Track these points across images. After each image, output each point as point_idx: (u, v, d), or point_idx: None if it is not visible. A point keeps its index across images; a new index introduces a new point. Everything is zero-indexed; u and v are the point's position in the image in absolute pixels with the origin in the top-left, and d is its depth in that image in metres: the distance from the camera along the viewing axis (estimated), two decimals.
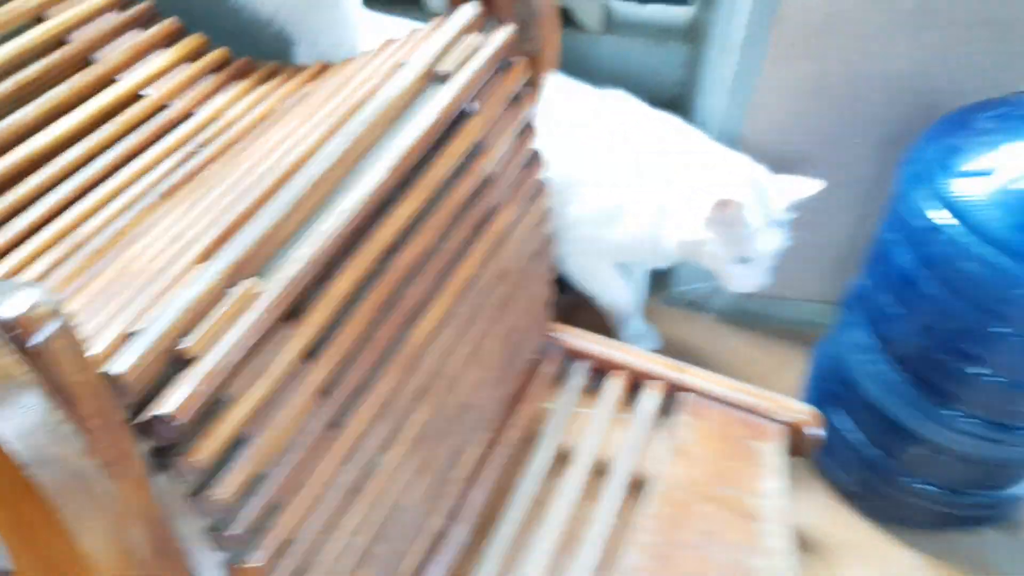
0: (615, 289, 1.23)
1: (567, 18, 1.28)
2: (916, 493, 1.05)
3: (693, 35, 1.27)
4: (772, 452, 0.97)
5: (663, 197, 1.05)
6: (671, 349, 1.26)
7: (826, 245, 1.23)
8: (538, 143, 0.89)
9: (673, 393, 1.04)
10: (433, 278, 0.74)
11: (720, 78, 1.13)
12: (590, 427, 1.00)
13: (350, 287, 0.63)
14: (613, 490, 0.94)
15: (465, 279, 0.79)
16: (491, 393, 0.93)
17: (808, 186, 1.03)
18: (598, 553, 0.88)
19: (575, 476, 0.95)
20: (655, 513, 0.90)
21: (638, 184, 1.07)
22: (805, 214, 1.05)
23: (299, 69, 0.89)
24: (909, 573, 1.06)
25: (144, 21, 0.88)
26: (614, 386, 1.05)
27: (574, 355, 1.08)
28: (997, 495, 1.07)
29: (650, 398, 1.03)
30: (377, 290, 0.66)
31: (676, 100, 1.29)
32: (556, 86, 1.11)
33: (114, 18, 0.86)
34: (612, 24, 1.30)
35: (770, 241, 1.01)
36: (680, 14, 1.31)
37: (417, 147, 0.68)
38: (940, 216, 0.86)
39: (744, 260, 1.02)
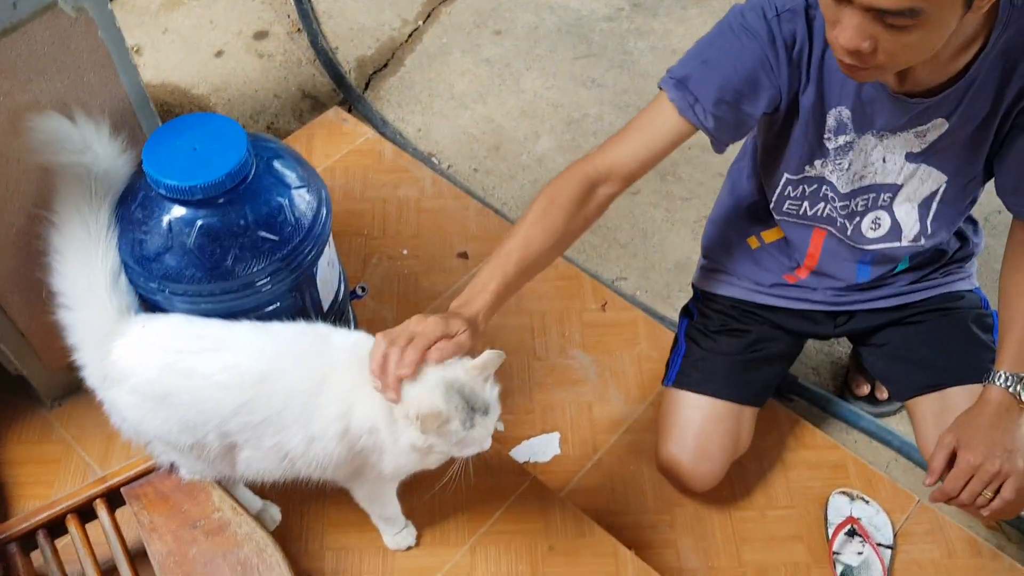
0: (396, 511, 1.41)
1: None
2: None
3: None
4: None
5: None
6: None
7: None
8: None
9: (114, 497, 1.34)
10: None
11: None
12: (87, 569, 1.28)
13: None
14: None
15: None
16: None
17: (492, 359, 1.12)
18: None
19: None
20: (170, 572, 1.25)
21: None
22: None
23: None
24: None
25: None
26: (73, 532, 1.31)
27: (24, 537, 1.30)
28: None
29: (102, 515, 1.32)
30: None
31: None
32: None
33: None
34: None
35: (485, 426, 1.12)
36: None
37: None
38: None
39: (470, 444, 1.14)
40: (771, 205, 1.47)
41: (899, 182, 1.35)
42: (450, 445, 1.12)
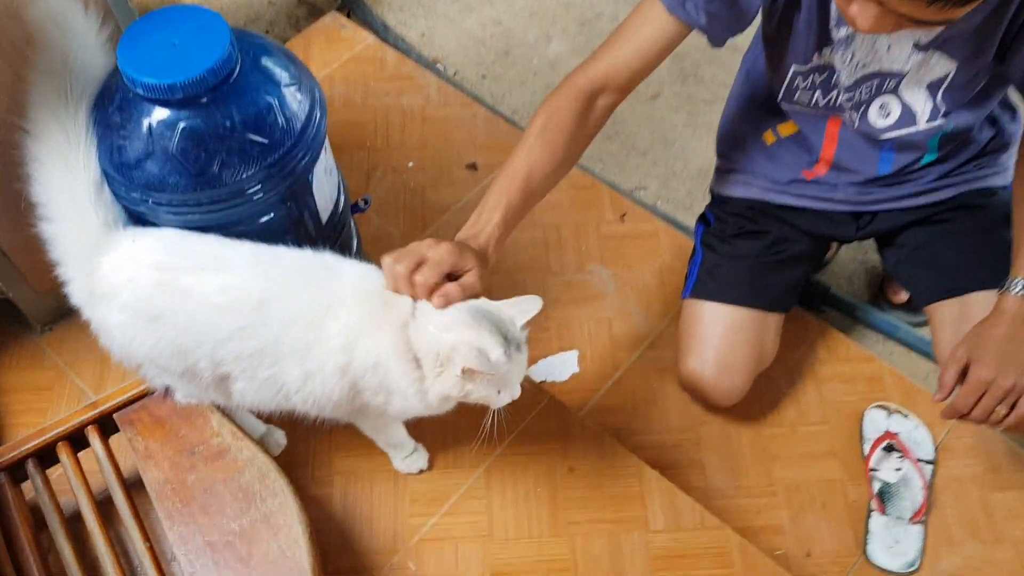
0: (403, 437, 1.35)
1: None
2: None
3: None
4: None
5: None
6: None
7: None
8: None
9: (107, 423, 1.26)
10: None
11: None
12: (80, 499, 1.21)
13: None
14: (125, 512, 1.19)
15: None
16: None
17: (532, 304, 1.06)
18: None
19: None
20: (168, 500, 1.18)
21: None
22: None
23: None
24: None
25: None
26: (65, 460, 1.24)
27: (13, 467, 1.23)
28: None
29: (95, 442, 1.25)
30: None
31: None
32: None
33: None
34: None
35: (519, 365, 1.05)
36: None
37: None
38: None
39: (506, 384, 1.06)
40: (779, 97, 1.38)
41: (905, 69, 1.25)
42: (487, 387, 1.04)
